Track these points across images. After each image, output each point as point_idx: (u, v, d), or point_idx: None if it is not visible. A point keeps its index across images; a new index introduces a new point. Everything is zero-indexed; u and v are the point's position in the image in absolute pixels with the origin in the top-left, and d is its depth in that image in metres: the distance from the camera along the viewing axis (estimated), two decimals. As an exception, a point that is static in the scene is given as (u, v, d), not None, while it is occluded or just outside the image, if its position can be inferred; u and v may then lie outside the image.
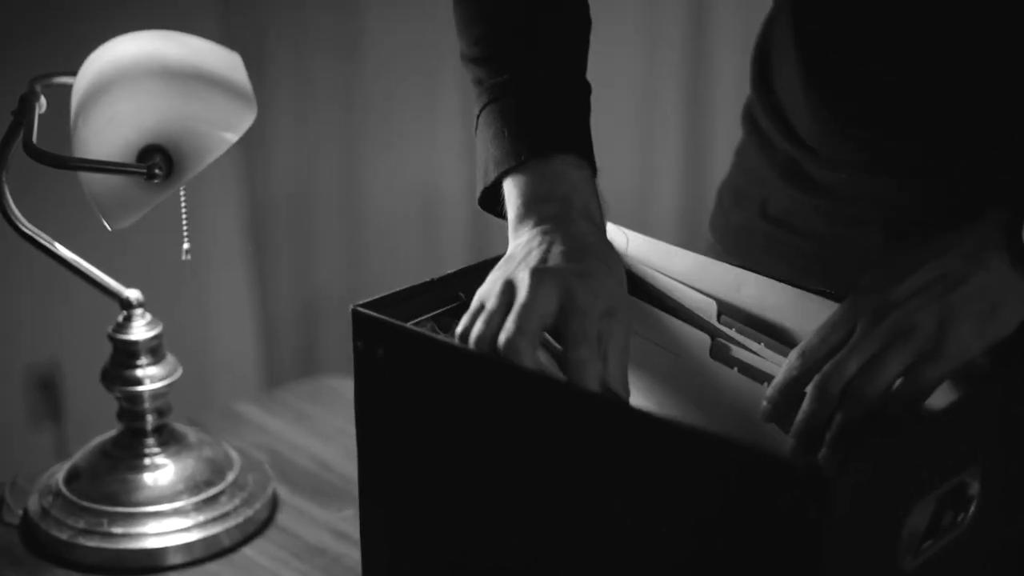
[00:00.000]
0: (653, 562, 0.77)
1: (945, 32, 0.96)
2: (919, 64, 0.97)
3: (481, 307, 0.85)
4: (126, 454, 1.13)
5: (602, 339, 0.83)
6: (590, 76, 0.98)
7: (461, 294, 0.93)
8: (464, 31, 1.00)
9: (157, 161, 1.02)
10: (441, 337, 0.89)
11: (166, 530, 1.09)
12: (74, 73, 1.08)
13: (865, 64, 1.00)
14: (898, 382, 0.80)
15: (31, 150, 1.04)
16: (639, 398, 0.91)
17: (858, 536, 0.71)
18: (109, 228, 1.05)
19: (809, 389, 0.81)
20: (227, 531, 1.11)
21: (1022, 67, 0.95)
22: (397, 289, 0.90)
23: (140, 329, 1.12)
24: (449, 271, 0.94)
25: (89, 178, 1.04)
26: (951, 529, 0.77)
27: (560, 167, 0.92)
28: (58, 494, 1.12)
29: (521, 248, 0.88)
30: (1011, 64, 0.95)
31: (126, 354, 1.12)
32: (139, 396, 1.12)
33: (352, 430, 0.91)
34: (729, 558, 0.73)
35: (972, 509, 0.77)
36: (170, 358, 1.14)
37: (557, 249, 0.86)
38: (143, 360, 1.12)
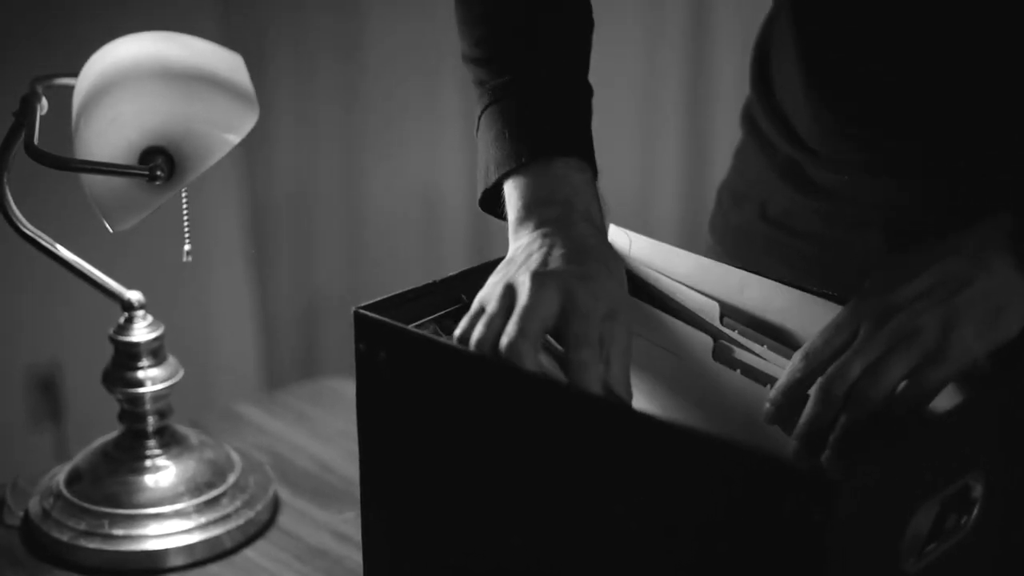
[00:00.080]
0: (656, 565, 0.77)
1: (945, 32, 0.96)
2: (919, 64, 0.97)
3: (481, 310, 0.84)
4: (127, 456, 1.13)
5: (604, 341, 0.83)
6: (590, 76, 0.98)
7: (463, 296, 0.93)
8: (465, 32, 1.00)
9: (159, 163, 1.02)
10: (443, 339, 0.88)
11: (167, 532, 1.09)
12: (76, 74, 1.08)
13: (865, 64, 1.00)
14: (902, 385, 0.79)
15: (32, 151, 1.03)
16: (641, 400, 0.91)
17: (862, 539, 0.71)
18: (110, 230, 1.05)
19: (813, 391, 0.81)
20: (228, 533, 1.11)
21: (1022, 67, 0.95)
22: (398, 291, 0.90)
23: (141, 331, 1.12)
24: (450, 272, 0.94)
25: (91, 180, 1.04)
26: (954, 532, 0.77)
27: (561, 170, 0.92)
28: (59, 496, 1.12)
29: (522, 251, 0.87)
30: (1011, 64, 0.95)
31: (127, 356, 1.12)
32: (140, 398, 1.12)
33: (353, 431, 0.91)
34: (733, 561, 0.73)
35: (975, 512, 0.77)
36: (171, 360, 1.14)
37: (558, 252, 0.86)
38: (144, 362, 1.12)
